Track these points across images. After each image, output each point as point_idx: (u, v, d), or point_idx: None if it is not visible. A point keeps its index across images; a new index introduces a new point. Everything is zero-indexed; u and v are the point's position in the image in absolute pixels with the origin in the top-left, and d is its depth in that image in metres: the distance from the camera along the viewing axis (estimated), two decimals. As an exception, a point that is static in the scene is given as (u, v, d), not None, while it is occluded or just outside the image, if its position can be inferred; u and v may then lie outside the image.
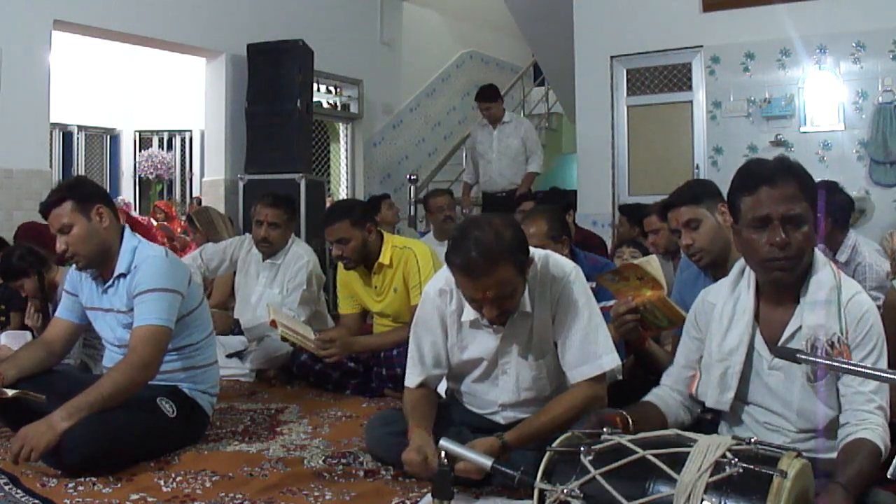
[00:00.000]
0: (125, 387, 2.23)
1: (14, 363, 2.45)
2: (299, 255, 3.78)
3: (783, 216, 1.68)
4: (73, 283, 2.56)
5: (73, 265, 2.50)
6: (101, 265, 2.45)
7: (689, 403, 1.98)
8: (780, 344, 1.75)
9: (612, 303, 2.40)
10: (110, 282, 2.43)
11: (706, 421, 2.05)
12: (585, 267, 2.81)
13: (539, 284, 2.08)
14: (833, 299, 1.71)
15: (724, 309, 1.85)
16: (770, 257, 1.70)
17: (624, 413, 1.84)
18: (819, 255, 1.78)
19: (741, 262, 1.86)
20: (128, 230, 2.49)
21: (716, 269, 2.40)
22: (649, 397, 1.99)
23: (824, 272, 1.75)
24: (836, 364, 1.57)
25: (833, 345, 1.68)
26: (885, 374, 1.45)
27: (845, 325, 1.69)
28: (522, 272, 1.98)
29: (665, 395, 1.99)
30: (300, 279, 3.71)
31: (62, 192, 2.40)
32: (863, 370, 1.47)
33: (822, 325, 1.69)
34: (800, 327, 1.73)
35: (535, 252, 2.13)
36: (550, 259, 2.13)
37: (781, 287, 1.76)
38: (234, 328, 3.98)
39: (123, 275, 2.41)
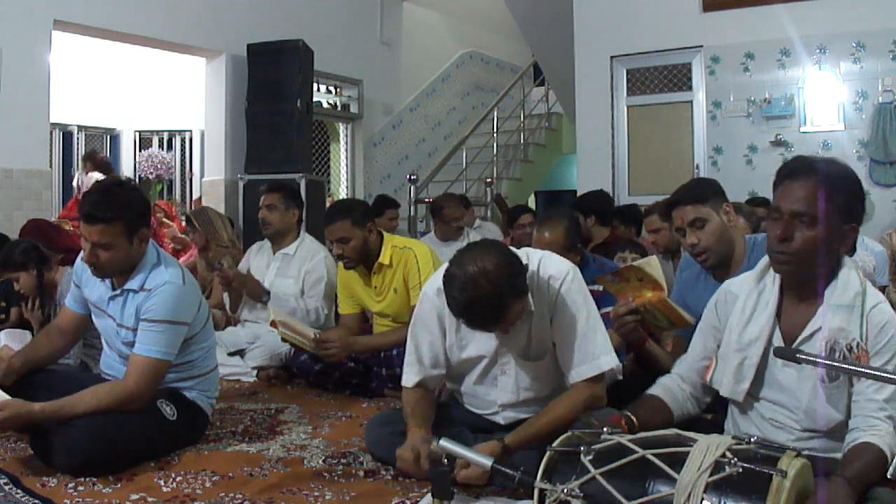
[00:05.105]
0: (107, 409, 2.21)
1: (23, 353, 2.51)
2: (315, 251, 3.83)
3: (791, 212, 1.69)
4: (79, 274, 2.52)
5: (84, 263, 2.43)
6: (118, 275, 2.41)
7: (698, 394, 1.97)
8: (797, 342, 1.75)
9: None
10: (118, 291, 2.39)
11: (706, 421, 2.05)
12: (595, 270, 2.82)
13: (537, 286, 2.08)
14: (857, 305, 1.71)
15: (748, 300, 1.85)
16: (772, 249, 1.73)
17: (628, 414, 1.84)
18: (848, 260, 1.78)
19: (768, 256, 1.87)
20: (151, 243, 2.41)
21: (720, 268, 2.40)
22: (655, 389, 1.98)
23: (851, 277, 1.75)
24: (836, 365, 1.57)
25: (852, 349, 1.68)
26: (885, 375, 1.45)
27: (866, 331, 1.69)
28: (526, 291, 1.98)
29: (673, 386, 1.98)
30: (321, 272, 3.75)
31: (117, 210, 2.26)
32: (863, 370, 1.47)
33: (843, 328, 1.69)
34: (820, 328, 1.73)
35: (531, 254, 2.12)
36: (548, 260, 2.13)
37: (797, 284, 1.77)
38: (235, 324, 4.02)
39: (134, 290, 2.36)
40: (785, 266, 1.73)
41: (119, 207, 2.28)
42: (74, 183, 7.54)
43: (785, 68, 5.73)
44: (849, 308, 1.71)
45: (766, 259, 1.87)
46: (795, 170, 1.72)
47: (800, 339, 1.76)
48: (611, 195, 5.13)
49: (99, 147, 8.36)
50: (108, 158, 7.50)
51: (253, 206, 4.70)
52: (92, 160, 7.23)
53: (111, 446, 2.16)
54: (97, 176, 6.89)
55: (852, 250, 1.81)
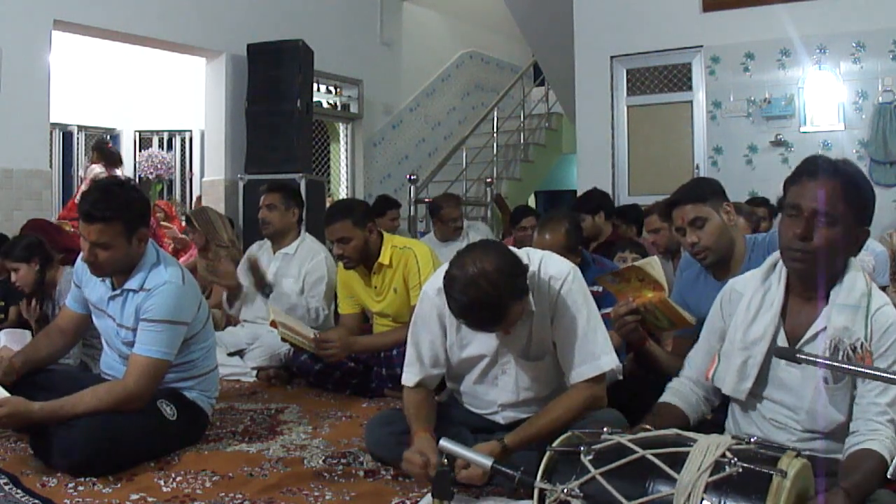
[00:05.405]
0: (106, 409, 2.21)
1: (23, 353, 2.52)
2: (316, 251, 3.84)
3: (812, 210, 1.68)
4: (79, 274, 2.53)
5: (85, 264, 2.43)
6: (117, 275, 2.41)
7: (709, 396, 1.97)
8: (801, 342, 1.75)
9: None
10: (118, 291, 2.39)
11: (706, 421, 2.05)
12: (595, 271, 2.82)
13: (537, 286, 2.08)
14: (863, 306, 1.71)
15: (753, 299, 1.85)
16: (789, 246, 1.72)
17: (644, 427, 1.83)
18: (854, 261, 1.78)
19: (775, 254, 1.86)
20: (150, 243, 2.42)
21: (719, 268, 2.40)
22: (668, 397, 1.98)
23: (858, 278, 1.75)
24: (835, 365, 1.57)
25: (856, 350, 1.68)
26: (885, 375, 1.45)
27: (870, 332, 1.69)
28: (527, 292, 1.98)
29: (685, 390, 1.98)
30: (321, 272, 3.76)
31: (116, 210, 2.26)
32: (863, 370, 1.47)
33: (847, 328, 1.69)
34: (824, 328, 1.73)
35: (532, 254, 2.12)
36: (548, 261, 2.13)
37: (806, 283, 1.76)
38: (235, 324, 4.02)
39: (134, 290, 2.36)
40: (800, 264, 1.72)
41: (118, 207, 2.28)
42: (80, 174, 7.52)
43: (785, 68, 5.73)
44: (854, 308, 1.71)
45: (772, 258, 1.87)
46: (816, 169, 1.71)
47: (804, 339, 1.76)
48: (608, 194, 5.16)
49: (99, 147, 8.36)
50: (114, 148, 7.40)
51: (253, 206, 4.70)
52: (98, 151, 7.19)
53: (111, 446, 2.16)
54: (97, 169, 6.89)
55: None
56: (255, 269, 3.70)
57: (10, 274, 3.38)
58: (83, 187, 6.91)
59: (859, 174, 1.74)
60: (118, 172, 6.93)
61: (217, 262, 3.89)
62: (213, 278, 3.89)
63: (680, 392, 1.98)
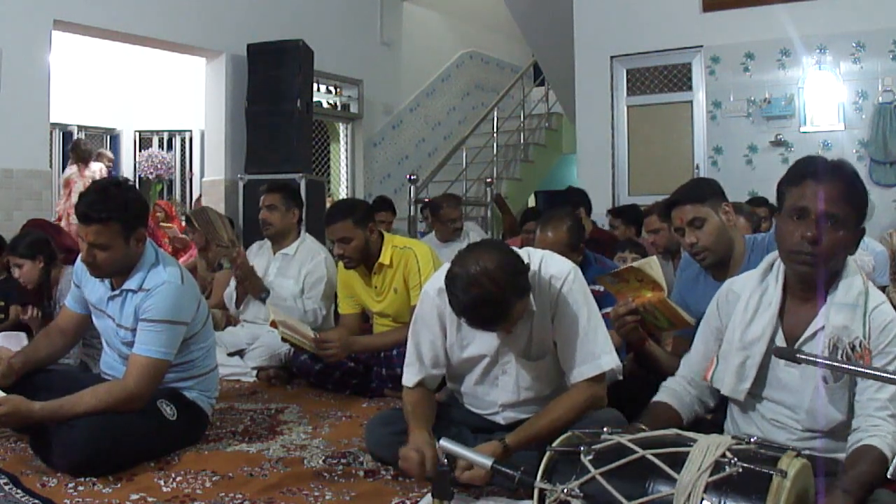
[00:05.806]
0: (106, 409, 2.20)
1: (23, 353, 2.52)
2: (316, 251, 3.84)
3: (820, 213, 1.68)
4: (79, 275, 2.52)
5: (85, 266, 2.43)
6: (116, 276, 2.41)
7: (704, 397, 1.97)
8: (799, 342, 1.75)
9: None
10: (117, 291, 2.39)
11: (706, 421, 2.05)
12: (596, 270, 2.82)
13: (538, 286, 2.08)
14: (860, 304, 1.71)
15: (751, 299, 1.84)
16: (797, 249, 1.71)
17: (640, 427, 1.83)
18: (851, 261, 1.78)
19: (772, 254, 1.86)
20: (149, 243, 2.42)
21: (719, 268, 2.40)
22: (662, 395, 1.97)
23: (855, 277, 1.75)
24: (834, 365, 1.57)
25: (854, 348, 1.68)
26: (885, 375, 1.45)
27: (869, 330, 1.69)
28: (528, 291, 1.98)
29: (679, 390, 1.98)
30: (321, 272, 3.76)
31: (113, 210, 2.26)
32: (863, 370, 1.47)
33: (846, 326, 1.69)
34: (823, 327, 1.73)
35: (533, 254, 2.12)
36: (549, 260, 2.13)
37: (808, 284, 1.76)
38: (235, 324, 4.02)
39: (133, 290, 2.36)
40: (808, 267, 1.72)
41: (115, 208, 2.27)
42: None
43: (785, 68, 5.74)
44: (852, 307, 1.71)
45: (769, 258, 1.87)
46: (819, 171, 1.71)
47: (802, 338, 1.76)
48: (584, 191, 5.17)
49: (99, 147, 8.37)
50: (85, 144, 7.34)
51: (253, 206, 4.70)
52: (72, 151, 7.17)
53: (111, 446, 2.16)
54: (67, 172, 6.91)
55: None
56: (243, 272, 3.75)
57: (10, 271, 3.37)
58: (61, 192, 6.97)
59: (855, 173, 1.75)
60: (93, 168, 6.92)
61: (238, 257, 3.84)
62: (242, 276, 3.86)
63: (674, 391, 1.98)
